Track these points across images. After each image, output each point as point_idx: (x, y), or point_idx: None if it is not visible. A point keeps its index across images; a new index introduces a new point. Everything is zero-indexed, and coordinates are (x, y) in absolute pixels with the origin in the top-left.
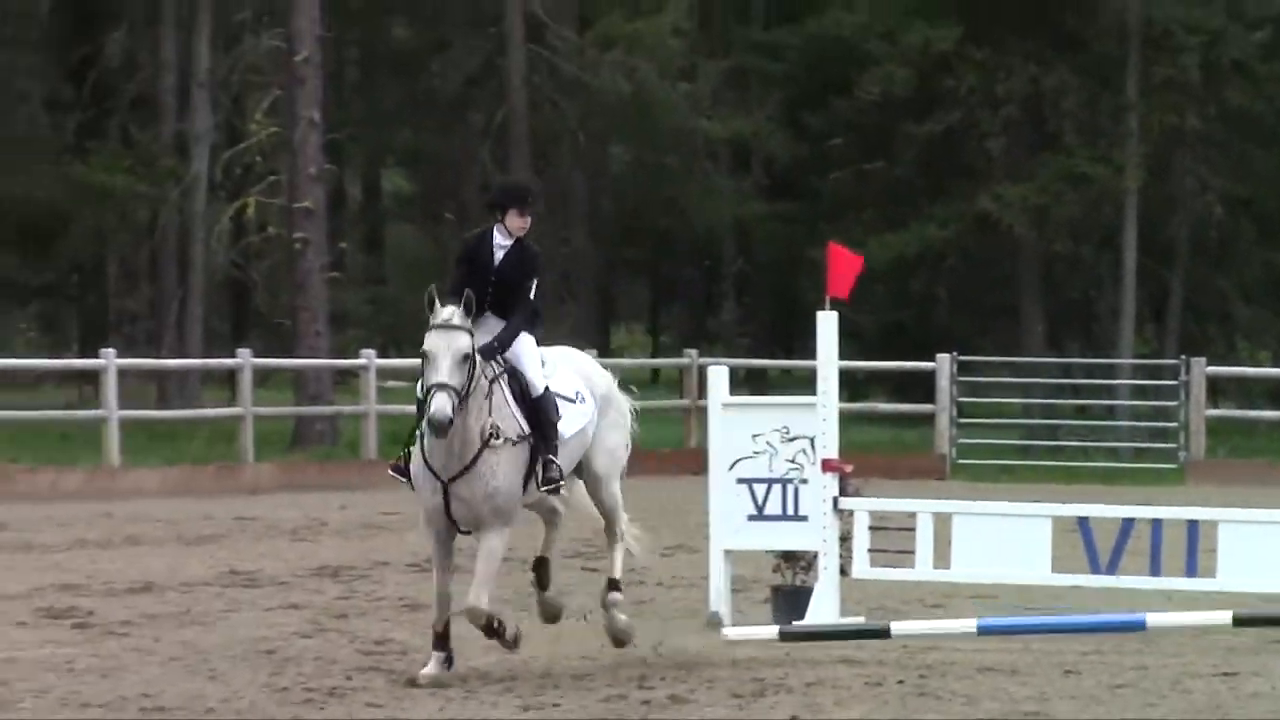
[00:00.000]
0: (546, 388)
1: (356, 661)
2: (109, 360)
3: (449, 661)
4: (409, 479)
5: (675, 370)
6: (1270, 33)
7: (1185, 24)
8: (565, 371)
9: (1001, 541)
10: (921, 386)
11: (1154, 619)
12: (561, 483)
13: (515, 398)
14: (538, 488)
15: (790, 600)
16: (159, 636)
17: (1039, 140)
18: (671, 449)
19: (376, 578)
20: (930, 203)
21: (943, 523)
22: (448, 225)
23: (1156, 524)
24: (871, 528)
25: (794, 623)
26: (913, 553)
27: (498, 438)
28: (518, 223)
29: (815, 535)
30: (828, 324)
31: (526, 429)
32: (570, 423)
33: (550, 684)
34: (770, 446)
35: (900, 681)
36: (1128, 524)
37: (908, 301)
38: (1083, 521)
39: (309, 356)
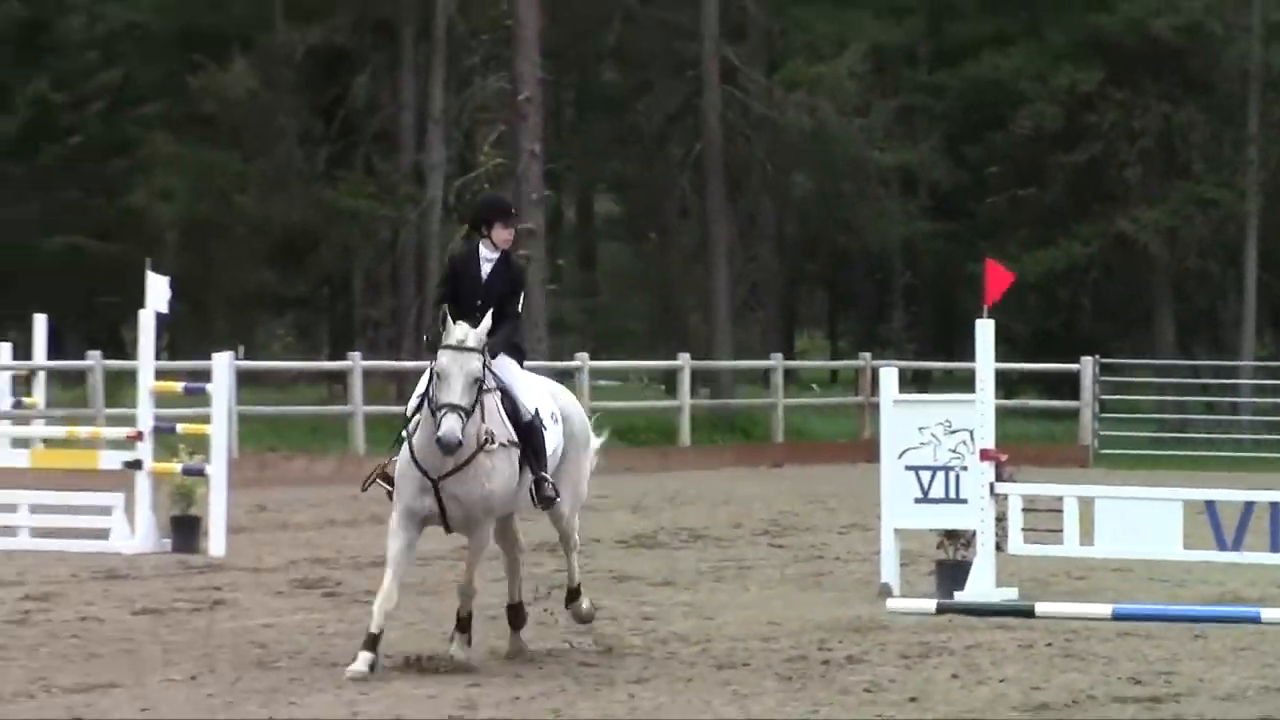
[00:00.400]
0: (536, 410)
1: (569, 626)
2: (355, 362)
3: (375, 661)
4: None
5: (851, 371)
6: None
7: None
8: (540, 393)
9: (1138, 522)
10: (1067, 385)
11: (1268, 614)
12: (558, 499)
13: (507, 415)
14: (534, 505)
15: (952, 573)
16: (397, 603)
17: (1171, 169)
18: (848, 440)
19: (588, 553)
20: (1075, 224)
21: (1086, 505)
22: (651, 243)
23: (1275, 507)
24: (1024, 509)
25: (954, 594)
26: (1060, 531)
27: (492, 442)
28: (503, 235)
29: (974, 516)
30: (985, 331)
31: (515, 437)
32: (549, 442)
33: (740, 646)
34: (935, 438)
35: (1048, 644)
36: (1249, 507)
37: (1055, 310)
38: (1210, 505)
39: (530, 359)
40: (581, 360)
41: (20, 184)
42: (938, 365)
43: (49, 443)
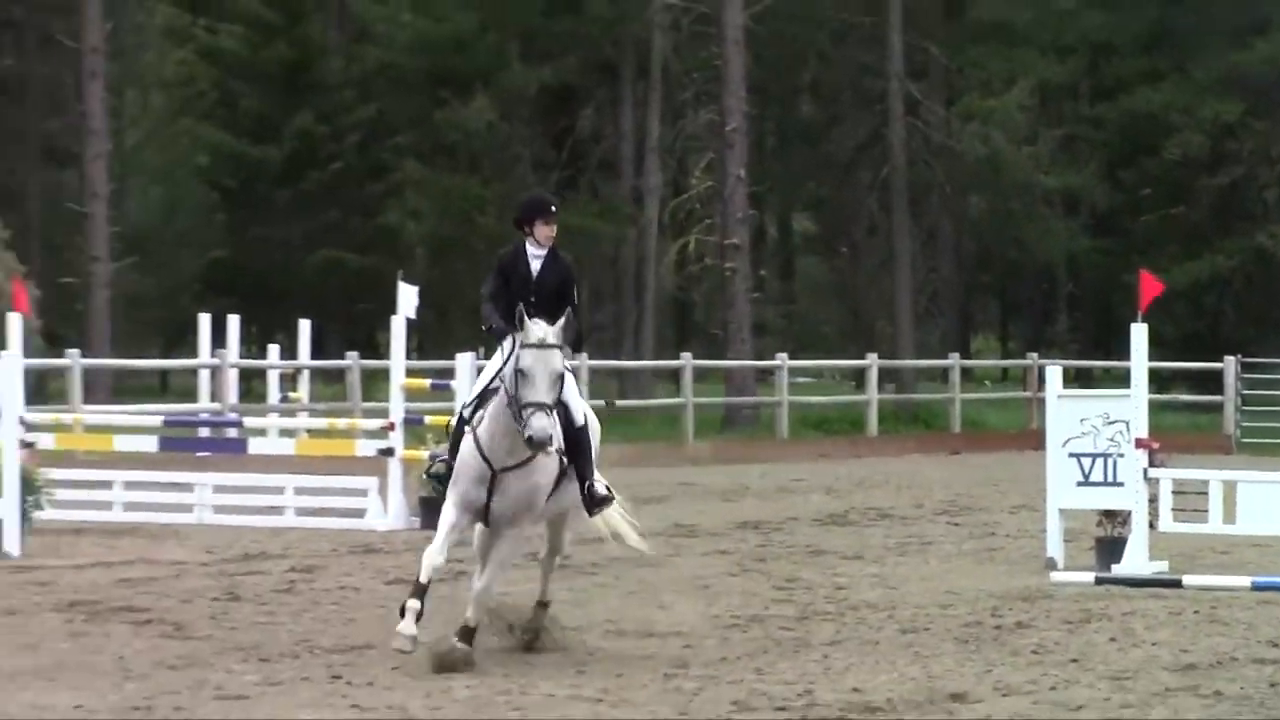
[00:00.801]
0: (586, 416)
1: (772, 595)
2: (582, 361)
3: (421, 611)
4: (444, 487)
5: (1020, 369)
6: None
7: None
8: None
9: (1275, 502)
10: (1212, 382)
11: None
12: (612, 499)
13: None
14: (589, 511)
15: (1110, 548)
16: (619, 575)
17: None
18: (1017, 430)
19: (788, 530)
20: (1219, 239)
21: (1229, 488)
22: (843, 257)
23: None
24: (1173, 492)
25: (1111, 567)
26: (1205, 511)
27: (552, 444)
28: (545, 231)
29: (1129, 497)
30: (1139, 334)
31: (563, 444)
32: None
33: (922, 612)
34: (1094, 428)
35: (1195, 612)
36: None
37: (1201, 316)
38: None
39: (736, 359)
40: (781, 360)
41: (288, 207)
42: (1097, 364)
43: (312, 433)
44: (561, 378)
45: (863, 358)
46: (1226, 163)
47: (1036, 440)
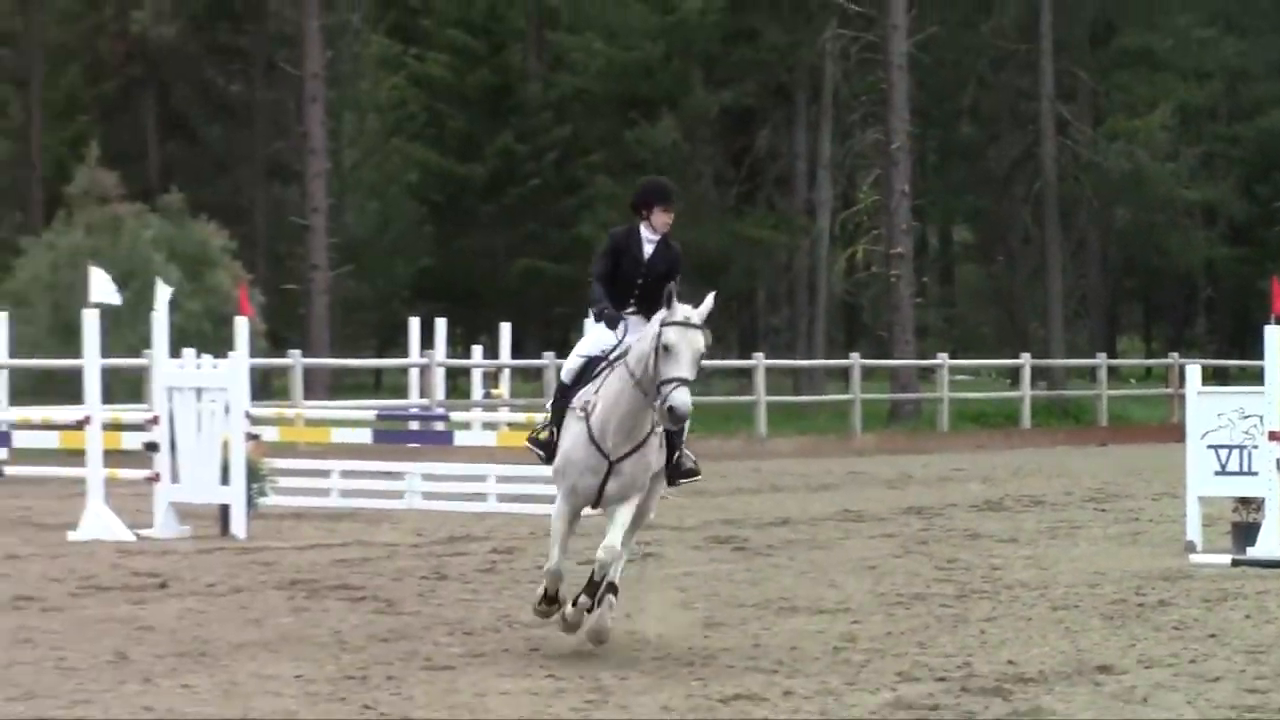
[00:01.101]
0: None
1: (933, 575)
2: (759, 361)
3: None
4: (546, 454)
5: (1162, 368)
6: None
7: None
8: None
9: None
10: None
11: None
12: (699, 474)
13: None
14: (672, 481)
15: (1245, 532)
16: (793, 556)
17: None
18: (1159, 424)
19: (948, 515)
20: None
21: None
22: (998, 264)
23: None
24: None
25: (1247, 550)
26: None
27: (658, 423)
28: (662, 219)
29: (1263, 485)
30: (1273, 335)
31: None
32: None
33: (1071, 591)
34: (1231, 422)
35: None
36: None
37: None
38: None
39: (900, 358)
40: (942, 359)
41: (490, 219)
42: (1233, 363)
43: (512, 426)
44: (701, 357)
45: (1017, 357)
46: None
47: (1177, 433)
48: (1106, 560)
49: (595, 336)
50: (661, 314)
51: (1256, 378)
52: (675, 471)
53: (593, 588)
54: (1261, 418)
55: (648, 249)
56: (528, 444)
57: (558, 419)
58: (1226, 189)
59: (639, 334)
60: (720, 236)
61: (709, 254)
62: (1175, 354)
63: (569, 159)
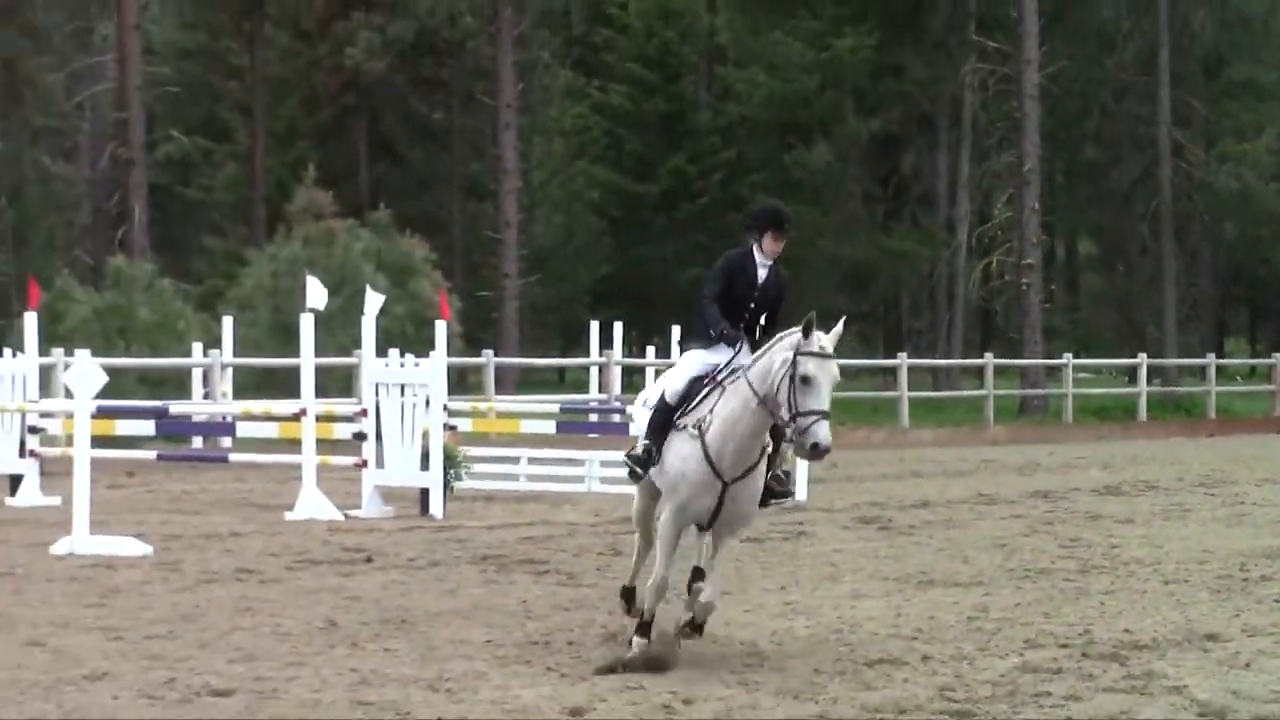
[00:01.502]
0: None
1: (1058, 552)
2: (903, 360)
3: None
4: (643, 470)
5: (1265, 367)
6: None
7: None
8: None
9: None
10: None
11: None
12: (791, 495)
13: None
14: (767, 501)
15: None
16: (931, 535)
17: None
18: (1263, 417)
19: (1072, 498)
20: None
21: None
22: (1118, 274)
23: None
24: None
25: None
26: None
27: (765, 446)
28: (773, 246)
29: None
30: None
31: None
32: None
33: (1182, 567)
34: None
35: None
36: None
37: None
38: None
39: (1030, 358)
40: (1067, 358)
41: (662, 232)
42: None
43: None
44: (836, 384)
45: (1134, 357)
46: None
47: (1279, 426)
48: (1214, 539)
49: (698, 357)
50: (794, 339)
51: None
52: (767, 492)
53: (696, 628)
54: None
55: (761, 273)
56: (624, 459)
57: (655, 436)
58: None
59: (750, 356)
60: (869, 249)
61: (859, 265)
62: (1277, 354)
63: (734, 179)
